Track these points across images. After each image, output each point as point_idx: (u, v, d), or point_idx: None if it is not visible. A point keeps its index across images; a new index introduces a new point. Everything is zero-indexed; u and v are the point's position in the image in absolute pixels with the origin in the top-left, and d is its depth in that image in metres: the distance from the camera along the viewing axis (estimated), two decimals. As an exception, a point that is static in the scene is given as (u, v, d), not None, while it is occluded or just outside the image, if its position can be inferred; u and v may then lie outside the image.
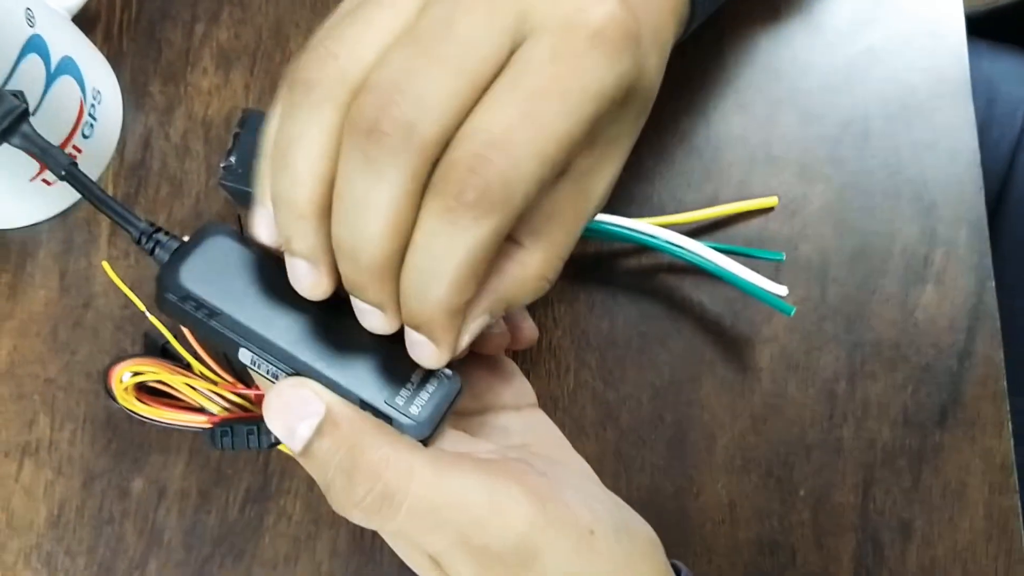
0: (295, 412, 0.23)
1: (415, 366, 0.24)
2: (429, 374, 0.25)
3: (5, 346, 0.37)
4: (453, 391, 0.25)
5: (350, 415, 0.23)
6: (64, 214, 0.38)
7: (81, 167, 0.23)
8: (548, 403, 0.36)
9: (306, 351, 0.24)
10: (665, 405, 0.36)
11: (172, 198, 0.38)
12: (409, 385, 0.24)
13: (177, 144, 0.38)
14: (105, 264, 0.34)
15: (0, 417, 0.36)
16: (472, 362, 0.28)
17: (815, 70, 0.39)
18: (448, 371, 0.25)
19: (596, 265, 0.37)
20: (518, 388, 0.29)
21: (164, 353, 0.35)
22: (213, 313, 0.24)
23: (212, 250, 0.25)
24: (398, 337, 0.24)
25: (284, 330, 0.24)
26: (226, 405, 0.33)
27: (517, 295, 0.24)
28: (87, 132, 0.37)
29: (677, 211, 0.36)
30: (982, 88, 0.52)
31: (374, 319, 0.23)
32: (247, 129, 0.35)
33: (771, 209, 0.37)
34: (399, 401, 0.24)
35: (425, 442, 0.25)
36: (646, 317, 0.37)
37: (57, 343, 0.37)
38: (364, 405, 0.24)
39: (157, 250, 0.25)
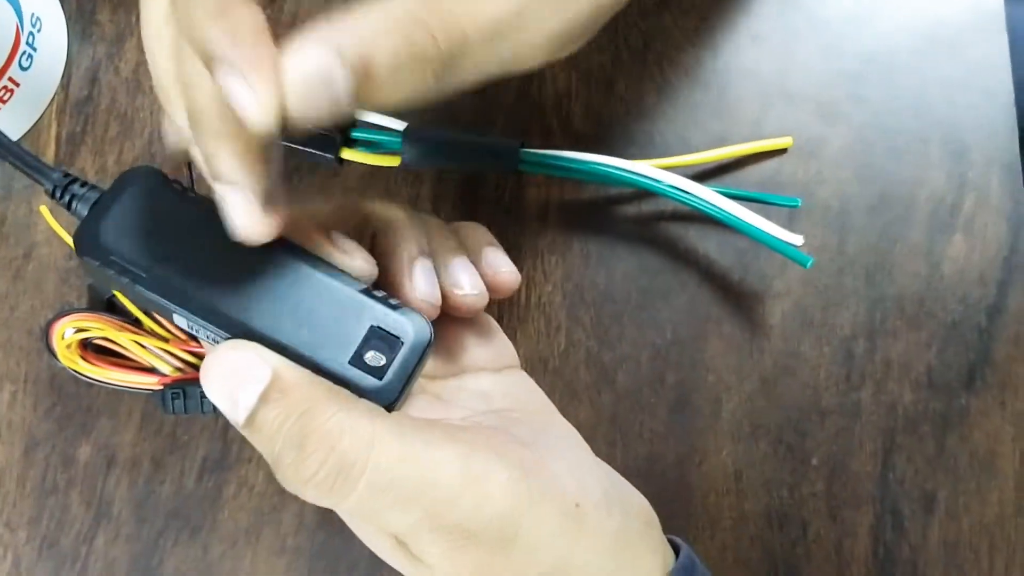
0: (236, 378, 0.21)
1: (373, 323, 0.22)
2: (391, 331, 0.22)
3: (-61, 300, 0.35)
4: (421, 344, 0.22)
5: (300, 379, 0.21)
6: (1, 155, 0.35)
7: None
8: (537, 365, 0.34)
9: (248, 311, 0.22)
10: (666, 366, 0.34)
11: (122, 137, 0.36)
12: (368, 342, 0.22)
13: (128, 78, 0.36)
14: (43, 209, 0.32)
15: (-66, 378, 0.34)
16: (445, 319, 0.25)
17: (836, -3, 0.37)
18: (415, 316, 0.22)
19: (591, 212, 0.35)
20: (497, 347, 0.27)
21: (110, 307, 0.33)
22: (139, 275, 0.22)
23: (137, 200, 0.22)
24: (354, 293, 0.22)
25: (222, 289, 0.22)
26: (178, 365, 0.31)
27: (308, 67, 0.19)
28: (25, 63, 0.34)
29: (681, 152, 0.35)
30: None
31: (237, 210, 0.21)
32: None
33: (785, 151, 0.35)
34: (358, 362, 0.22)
35: (391, 408, 0.22)
36: (646, 270, 0.35)
37: (-5, 297, 0.35)
38: (318, 369, 0.22)
39: (75, 204, 0.23)
